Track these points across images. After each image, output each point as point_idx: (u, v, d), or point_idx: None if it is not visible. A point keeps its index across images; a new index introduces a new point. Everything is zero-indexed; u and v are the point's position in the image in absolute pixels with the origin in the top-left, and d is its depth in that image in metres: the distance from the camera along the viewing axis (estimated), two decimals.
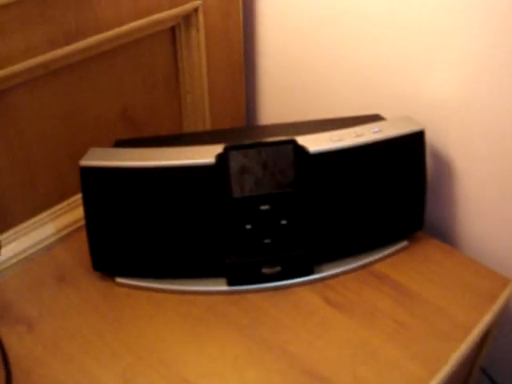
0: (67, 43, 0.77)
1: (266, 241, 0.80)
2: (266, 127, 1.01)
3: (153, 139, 0.87)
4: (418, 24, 0.83)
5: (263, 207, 0.78)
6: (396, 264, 0.86)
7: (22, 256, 0.85)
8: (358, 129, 0.80)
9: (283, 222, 0.79)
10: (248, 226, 0.78)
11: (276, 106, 1.07)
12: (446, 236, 0.94)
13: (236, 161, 0.75)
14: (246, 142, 0.75)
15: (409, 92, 0.89)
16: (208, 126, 1.00)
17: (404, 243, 0.87)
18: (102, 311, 0.79)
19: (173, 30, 0.92)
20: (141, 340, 0.75)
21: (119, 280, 0.82)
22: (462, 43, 0.80)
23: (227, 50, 0.97)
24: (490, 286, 0.82)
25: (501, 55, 0.77)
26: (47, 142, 0.85)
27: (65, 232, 0.89)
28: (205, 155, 0.75)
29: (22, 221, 0.86)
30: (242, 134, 0.89)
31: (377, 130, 0.80)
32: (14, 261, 0.85)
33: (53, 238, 0.88)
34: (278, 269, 0.80)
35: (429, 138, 0.87)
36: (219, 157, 0.75)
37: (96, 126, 0.89)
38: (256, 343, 0.75)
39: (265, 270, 0.80)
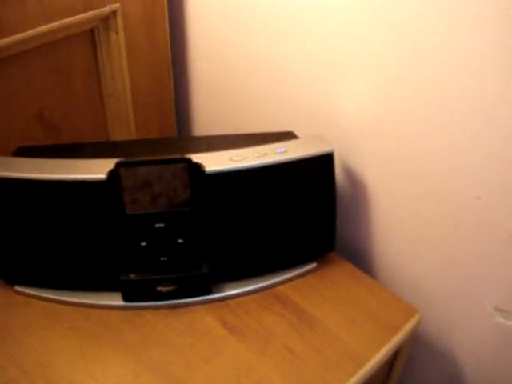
0: None
1: (162, 258, 0.78)
2: (183, 139, 0.99)
3: (56, 148, 0.85)
4: (331, 39, 0.80)
5: (158, 225, 0.76)
6: (301, 287, 0.83)
7: None
8: (261, 148, 0.77)
9: (179, 240, 0.77)
10: (143, 243, 0.77)
11: (206, 114, 1.05)
12: (358, 258, 0.92)
13: (128, 177, 0.73)
14: (139, 158, 0.73)
15: (324, 109, 0.86)
16: (133, 133, 0.98)
17: (313, 265, 0.85)
18: None
19: (92, 32, 0.89)
20: (29, 353, 0.74)
21: (18, 288, 0.81)
22: (375, 61, 0.77)
23: (152, 54, 0.94)
24: (394, 317, 0.80)
25: (413, 73, 0.73)
26: None
27: None
28: (97, 170, 0.73)
29: None
30: (155, 145, 0.87)
31: (281, 150, 0.77)
32: None
33: None
34: (174, 287, 0.78)
35: (343, 155, 0.84)
36: (110, 173, 0.73)
37: (9, 130, 0.87)
38: (142, 363, 0.73)
39: (160, 288, 0.78)
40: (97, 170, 0.73)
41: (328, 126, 0.86)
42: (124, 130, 0.97)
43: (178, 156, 0.73)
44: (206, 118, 1.05)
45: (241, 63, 0.94)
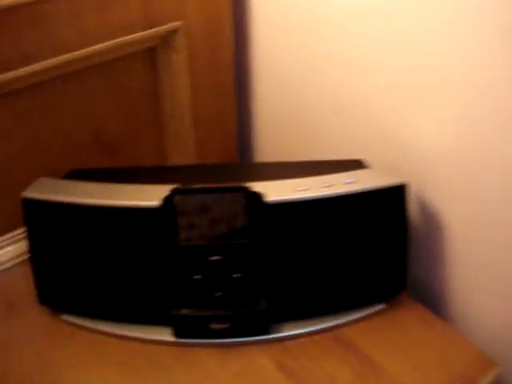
0: (23, 64, 0.73)
1: (217, 294, 0.72)
2: (243, 165, 0.94)
3: (110, 171, 0.81)
4: (410, 68, 0.73)
5: (213, 258, 0.70)
6: (367, 331, 0.76)
7: None
8: (327, 178, 0.71)
9: (236, 274, 0.71)
10: (197, 277, 0.71)
11: (270, 139, 0.99)
12: (431, 301, 0.83)
13: (183, 205, 0.68)
14: (196, 184, 0.68)
15: (398, 139, 0.79)
16: (193, 157, 0.93)
17: (381, 306, 0.78)
18: (40, 348, 0.74)
19: (152, 50, 0.85)
20: None
21: (65, 317, 0.77)
22: (455, 90, 0.70)
23: (214, 75, 0.90)
24: (469, 368, 0.71)
25: (493, 106, 0.66)
26: (9, 166, 0.81)
27: (25, 257, 0.84)
28: (151, 196, 0.69)
29: None
30: (213, 171, 0.81)
31: (350, 180, 0.70)
32: None
33: (11, 263, 0.84)
34: (228, 325, 0.72)
35: (417, 187, 0.77)
36: (165, 200, 0.68)
37: (65, 151, 0.84)
38: None
39: (213, 326, 0.72)
40: (151, 196, 0.69)
41: (401, 155, 0.79)
42: (183, 153, 0.92)
43: (236, 184, 0.68)
44: (268, 143, 1.00)
45: (309, 87, 0.88)
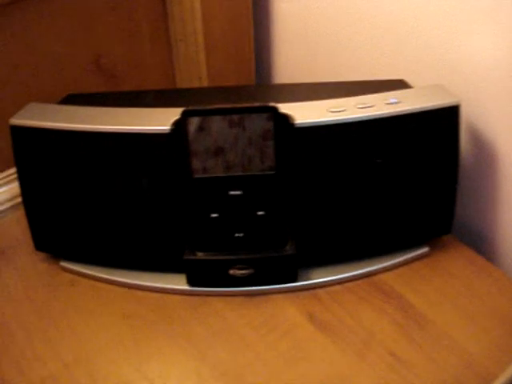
0: None
1: (237, 235, 0.63)
2: (264, 87, 0.83)
3: (111, 95, 0.71)
4: None
5: (233, 192, 0.61)
6: (409, 276, 0.66)
7: None
8: (368, 98, 0.60)
9: (260, 212, 0.62)
10: (214, 215, 0.62)
11: (292, 61, 0.88)
12: (480, 244, 0.73)
13: (197, 130, 0.57)
14: (213, 106, 0.57)
15: (444, 55, 0.68)
16: (205, 83, 0.82)
17: (424, 250, 0.68)
18: (37, 301, 0.66)
19: None
20: (71, 343, 0.61)
21: (63, 264, 0.68)
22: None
23: None
24: None
25: None
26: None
27: (17, 200, 0.75)
28: (159, 121, 0.58)
29: None
30: (229, 93, 0.71)
31: (394, 100, 0.60)
32: None
33: (4, 206, 0.75)
34: (251, 271, 0.63)
35: (467, 113, 0.66)
36: (175, 124, 0.58)
37: (61, 77, 0.74)
38: (207, 363, 0.59)
39: (233, 272, 0.63)
40: (159, 120, 0.59)
41: (448, 74, 0.68)
42: (195, 81, 0.82)
43: (259, 104, 0.57)
44: (290, 67, 0.88)
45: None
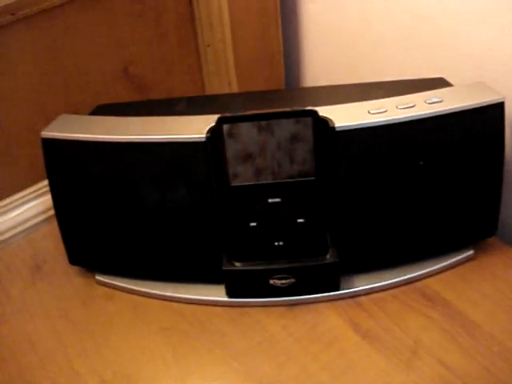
0: None
1: (277, 243, 0.61)
2: (298, 91, 0.81)
3: (142, 105, 0.69)
4: None
5: (273, 200, 0.59)
6: (455, 282, 0.64)
7: None
8: (408, 98, 0.58)
9: (300, 219, 0.60)
10: (253, 224, 0.60)
11: (323, 63, 0.86)
12: None
13: (234, 137, 0.56)
14: (249, 112, 0.56)
15: (483, 52, 0.65)
16: (235, 88, 0.81)
17: (469, 253, 0.66)
18: (74, 316, 0.65)
19: None
20: (110, 359, 0.60)
21: (99, 277, 0.67)
22: None
23: None
24: None
25: None
26: (27, 105, 0.70)
27: (51, 213, 0.74)
28: (193, 129, 0.57)
29: None
30: (262, 99, 0.69)
31: (436, 99, 0.58)
32: None
33: (36, 220, 0.74)
34: (292, 281, 0.61)
35: (509, 112, 0.64)
36: (211, 131, 0.56)
37: (90, 87, 0.72)
38: (251, 376, 0.57)
39: (274, 281, 0.61)
40: (193, 128, 0.57)
41: (490, 71, 0.66)
42: (224, 87, 0.80)
43: (298, 108, 0.56)
44: (322, 70, 0.86)
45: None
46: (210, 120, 0.56)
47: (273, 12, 0.79)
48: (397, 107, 0.57)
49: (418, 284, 0.64)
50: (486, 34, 0.65)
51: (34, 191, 0.75)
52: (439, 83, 0.64)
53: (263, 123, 0.55)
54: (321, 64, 0.86)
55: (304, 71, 0.88)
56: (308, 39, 0.85)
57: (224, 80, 0.80)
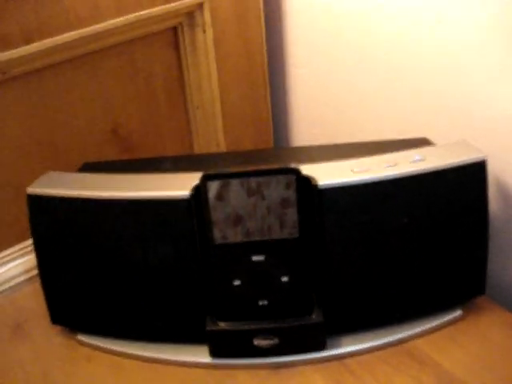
0: (26, 42, 0.63)
1: (261, 303, 0.60)
2: (283, 150, 0.82)
3: (129, 163, 0.70)
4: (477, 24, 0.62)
5: (256, 258, 0.58)
6: (443, 343, 0.63)
7: None
8: (391, 156, 0.59)
9: (284, 278, 0.59)
10: (237, 282, 0.59)
11: (310, 124, 0.87)
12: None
13: (218, 194, 0.56)
14: (232, 169, 0.56)
15: (465, 112, 0.67)
16: (223, 149, 0.82)
17: (457, 313, 0.64)
18: (54, 377, 0.63)
19: (175, 30, 0.75)
20: None
21: (80, 338, 0.66)
22: None
23: (245, 57, 0.79)
24: None
25: None
26: (14, 163, 0.70)
27: (34, 273, 0.73)
28: (177, 186, 0.57)
29: None
30: (248, 157, 0.70)
31: (418, 158, 0.58)
32: None
33: (18, 279, 0.73)
34: (276, 341, 0.60)
35: (494, 169, 0.64)
36: (195, 189, 0.56)
37: (78, 147, 0.73)
38: None
39: (258, 342, 0.60)
40: (178, 185, 0.57)
41: (472, 130, 0.67)
42: (212, 147, 0.81)
43: (281, 166, 0.56)
44: (308, 130, 0.88)
45: (351, 60, 0.77)
46: (195, 177, 0.57)
47: (261, 74, 0.81)
48: (379, 166, 0.57)
49: (405, 345, 0.63)
50: (467, 92, 0.67)
51: (18, 250, 0.74)
52: (422, 143, 0.64)
53: (247, 181, 0.55)
54: (308, 124, 0.88)
55: (292, 131, 0.89)
56: (295, 101, 0.87)
57: (212, 141, 0.81)
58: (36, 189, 0.60)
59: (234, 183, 0.55)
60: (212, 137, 0.80)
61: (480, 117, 0.66)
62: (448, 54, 0.67)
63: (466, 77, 0.66)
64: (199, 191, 0.56)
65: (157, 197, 0.57)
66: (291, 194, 0.56)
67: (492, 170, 0.65)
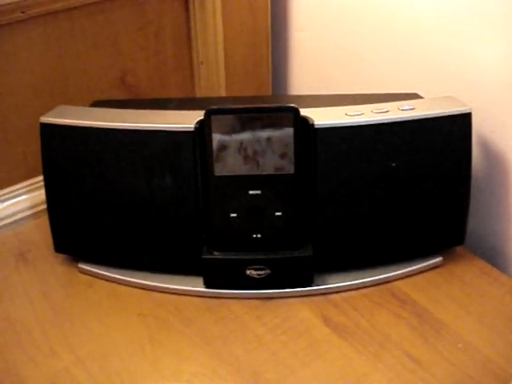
0: None
1: (255, 235, 0.64)
2: (283, 96, 0.86)
3: (137, 101, 0.73)
4: None
5: (253, 191, 0.62)
6: (424, 285, 0.67)
7: None
8: (383, 105, 0.63)
9: (278, 213, 0.63)
10: (233, 215, 0.63)
11: (307, 77, 0.91)
12: (493, 256, 0.74)
13: (220, 129, 0.60)
14: (236, 106, 0.60)
15: (453, 68, 0.71)
16: None
17: (438, 260, 0.69)
18: (55, 300, 0.67)
19: None
20: (87, 339, 0.61)
21: (82, 266, 0.69)
22: None
23: (250, 19, 0.82)
24: None
25: None
26: (27, 101, 0.74)
27: (42, 207, 0.76)
28: (183, 120, 0.61)
29: None
30: (251, 101, 0.73)
31: (408, 107, 0.62)
32: None
33: (24, 214, 0.77)
34: (267, 272, 0.64)
35: (479, 126, 0.68)
36: (199, 123, 0.60)
37: (87, 90, 0.77)
38: (223, 361, 0.59)
39: (250, 272, 0.64)
40: (183, 119, 0.61)
41: (460, 86, 0.71)
42: None
43: (281, 105, 0.60)
44: (306, 84, 0.92)
45: (353, 11, 0.81)
46: (199, 114, 0.60)
47: (263, 32, 0.84)
48: (372, 111, 0.61)
49: (388, 285, 0.67)
50: (457, 50, 0.71)
51: (26, 186, 0.77)
52: (413, 97, 0.69)
53: (249, 118, 0.59)
54: (306, 77, 0.92)
55: (291, 84, 0.93)
56: (296, 60, 0.91)
57: (214, 95, 0.84)
58: (49, 118, 0.64)
59: (236, 118, 0.59)
60: (214, 91, 0.84)
61: (468, 72, 0.70)
62: (440, 16, 0.71)
63: (456, 36, 0.70)
64: (203, 125, 0.60)
65: (163, 128, 0.61)
66: (289, 131, 0.60)
67: (478, 128, 0.69)
